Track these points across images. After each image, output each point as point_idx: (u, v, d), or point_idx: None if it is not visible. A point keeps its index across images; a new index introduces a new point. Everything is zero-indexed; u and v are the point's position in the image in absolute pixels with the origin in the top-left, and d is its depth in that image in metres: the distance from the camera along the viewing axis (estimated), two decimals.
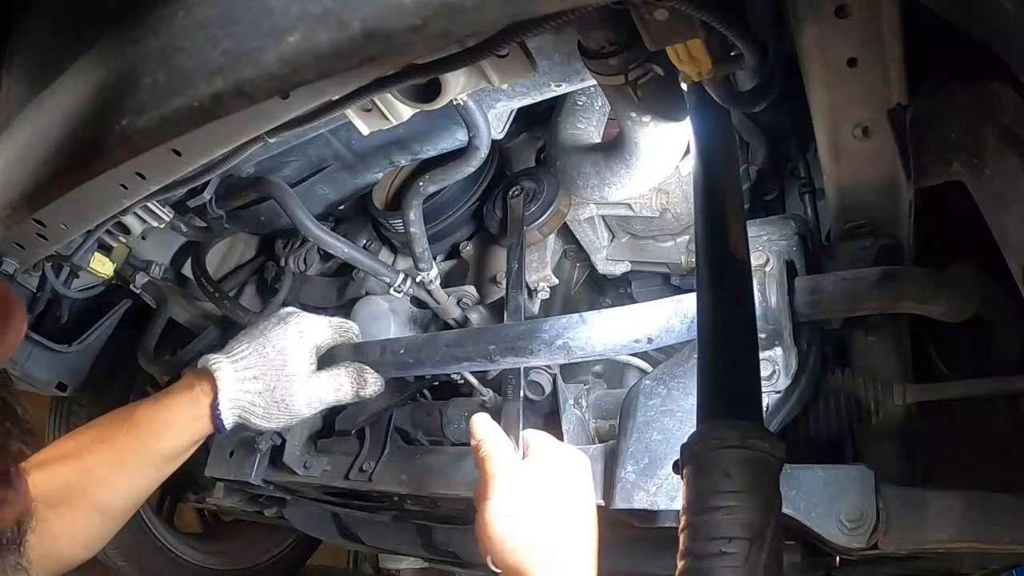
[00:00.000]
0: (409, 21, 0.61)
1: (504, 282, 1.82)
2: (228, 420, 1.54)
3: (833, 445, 1.44)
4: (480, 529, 1.27)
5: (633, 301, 1.65)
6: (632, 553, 1.74)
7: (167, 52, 0.88)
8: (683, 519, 0.88)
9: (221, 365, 1.55)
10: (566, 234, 1.96)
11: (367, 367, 1.62)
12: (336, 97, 1.14)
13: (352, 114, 1.37)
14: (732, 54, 1.10)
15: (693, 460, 0.91)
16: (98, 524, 1.54)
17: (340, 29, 0.65)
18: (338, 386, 1.60)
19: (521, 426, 1.45)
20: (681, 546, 0.86)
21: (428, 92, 1.29)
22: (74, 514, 1.48)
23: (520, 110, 1.71)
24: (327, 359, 1.64)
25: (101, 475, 1.51)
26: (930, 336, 1.49)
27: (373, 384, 1.62)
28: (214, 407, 1.53)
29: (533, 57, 1.23)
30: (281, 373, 1.55)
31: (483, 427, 1.38)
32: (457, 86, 1.27)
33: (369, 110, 1.36)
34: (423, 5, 0.61)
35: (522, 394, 1.53)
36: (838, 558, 1.45)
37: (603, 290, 2.12)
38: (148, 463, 1.56)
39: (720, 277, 1.06)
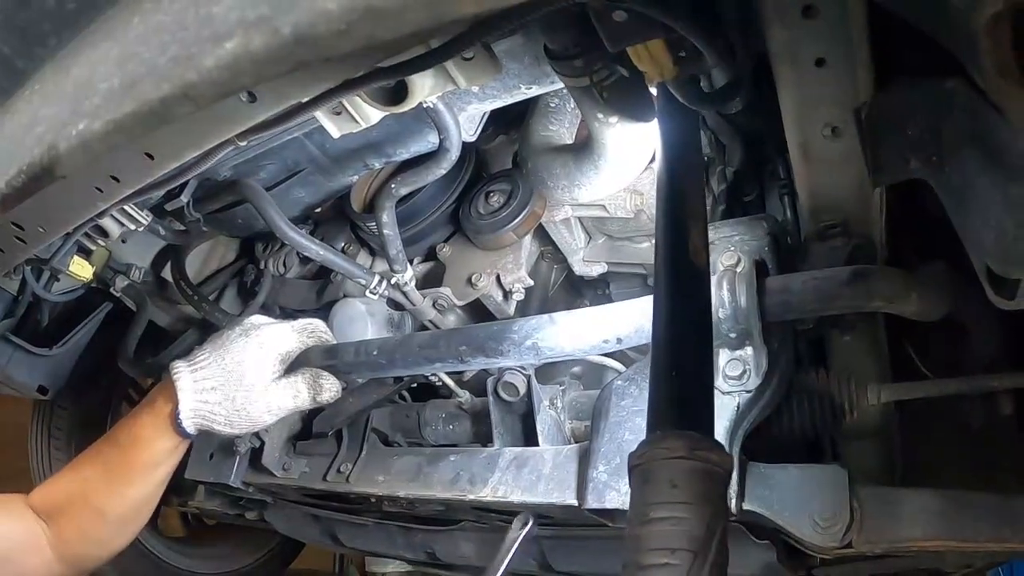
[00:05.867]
0: (335, 26, 0.62)
1: (480, 283, 1.84)
2: (190, 428, 1.61)
3: (810, 445, 1.44)
4: None
5: (611, 303, 1.65)
6: (606, 553, 1.74)
7: (123, 58, 0.89)
8: (628, 528, 0.88)
9: (181, 375, 1.60)
10: (543, 236, 1.97)
11: (324, 372, 1.65)
12: (304, 100, 1.14)
13: (322, 117, 1.37)
14: (695, 55, 1.10)
15: (640, 469, 0.90)
16: (101, 526, 1.69)
17: (273, 35, 0.66)
18: (295, 393, 1.63)
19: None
20: (625, 555, 0.86)
21: (396, 95, 1.28)
22: (80, 518, 1.66)
23: (497, 113, 1.72)
24: (299, 363, 1.64)
25: (96, 484, 1.66)
26: (909, 336, 1.49)
27: (329, 389, 1.66)
28: (175, 416, 1.59)
29: (498, 58, 1.23)
30: (240, 384, 1.60)
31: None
32: (424, 88, 1.27)
33: (339, 113, 1.36)
34: (348, 11, 0.62)
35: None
36: (818, 557, 1.45)
37: (581, 292, 2.13)
38: (133, 472, 1.67)
39: (676, 284, 1.05)
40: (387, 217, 1.77)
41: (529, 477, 1.53)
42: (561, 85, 1.45)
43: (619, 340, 1.33)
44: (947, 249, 1.19)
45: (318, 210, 2.10)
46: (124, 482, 1.67)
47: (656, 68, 1.09)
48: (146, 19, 0.87)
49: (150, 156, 1.21)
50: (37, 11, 1.03)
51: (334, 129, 1.40)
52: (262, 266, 2.18)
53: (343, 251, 2.04)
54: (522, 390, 1.62)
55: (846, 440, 1.44)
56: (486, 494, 1.56)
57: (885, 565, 1.56)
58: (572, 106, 1.71)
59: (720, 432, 1.28)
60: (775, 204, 1.75)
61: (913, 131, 1.03)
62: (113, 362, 2.34)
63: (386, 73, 1.11)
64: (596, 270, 1.97)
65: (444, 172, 1.67)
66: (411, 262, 1.90)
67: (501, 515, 1.71)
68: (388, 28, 0.61)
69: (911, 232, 1.44)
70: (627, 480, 1.34)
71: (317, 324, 1.74)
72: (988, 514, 1.17)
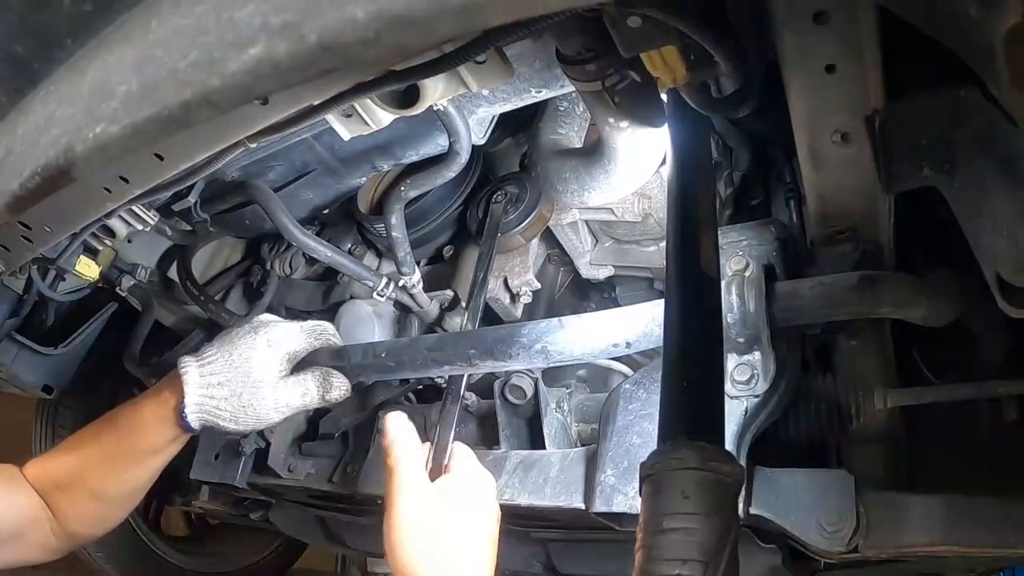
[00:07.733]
0: (363, 35, 0.62)
1: (487, 286, 1.84)
2: (194, 423, 1.60)
3: (816, 449, 1.44)
4: (384, 538, 1.34)
5: (618, 306, 1.65)
6: (613, 556, 1.74)
7: (141, 61, 0.89)
8: (639, 538, 0.88)
9: (189, 370, 1.60)
10: (550, 239, 1.97)
11: (334, 371, 1.63)
12: (316, 102, 1.14)
13: (333, 119, 1.37)
14: (708, 61, 1.10)
15: (652, 479, 0.90)
16: (96, 507, 1.73)
17: (298, 42, 0.66)
18: (304, 391, 1.62)
19: (453, 432, 1.49)
20: (636, 565, 0.86)
21: (407, 98, 1.28)
22: (76, 497, 1.68)
23: (504, 116, 1.72)
24: (306, 363, 1.64)
25: (94, 465, 1.68)
26: (915, 342, 1.49)
27: (338, 388, 1.64)
28: (179, 410, 1.59)
29: (510, 62, 1.23)
30: (247, 380, 1.59)
31: (395, 427, 1.43)
32: (436, 92, 1.27)
33: (350, 115, 1.36)
34: (376, 19, 0.62)
35: (460, 400, 1.56)
36: (822, 561, 1.45)
37: (587, 295, 2.13)
38: (131, 457, 1.68)
39: (687, 293, 1.06)
40: (396, 219, 1.77)
41: (536, 480, 1.53)
42: (571, 88, 1.45)
43: (628, 344, 1.33)
44: (954, 254, 1.20)
45: (325, 212, 2.10)
46: (122, 466, 1.69)
47: (669, 74, 1.09)
48: (165, 23, 0.86)
49: (160, 157, 1.21)
50: (53, 13, 1.02)
51: (344, 131, 1.40)
52: (268, 267, 2.18)
53: (349, 253, 2.04)
54: (529, 393, 1.62)
55: (851, 445, 1.44)
56: None
57: (888, 570, 1.56)
58: (581, 109, 1.71)
59: (727, 437, 1.29)
60: (781, 208, 1.75)
61: (927, 139, 1.04)
62: (118, 362, 2.34)
63: (399, 77, 1.11)
64: (603, 273, 1.97)
65: (454, 175, 1.67)
66: (418, 264, 1.90)
67: (507, 518, 1.71)
68: (417, 37, 0.60)
69: (918, 237, 1.44)
70: (635, 484, 1.36)
71: (326, 327, 1.73)
72: (993, 519, 1.17)
